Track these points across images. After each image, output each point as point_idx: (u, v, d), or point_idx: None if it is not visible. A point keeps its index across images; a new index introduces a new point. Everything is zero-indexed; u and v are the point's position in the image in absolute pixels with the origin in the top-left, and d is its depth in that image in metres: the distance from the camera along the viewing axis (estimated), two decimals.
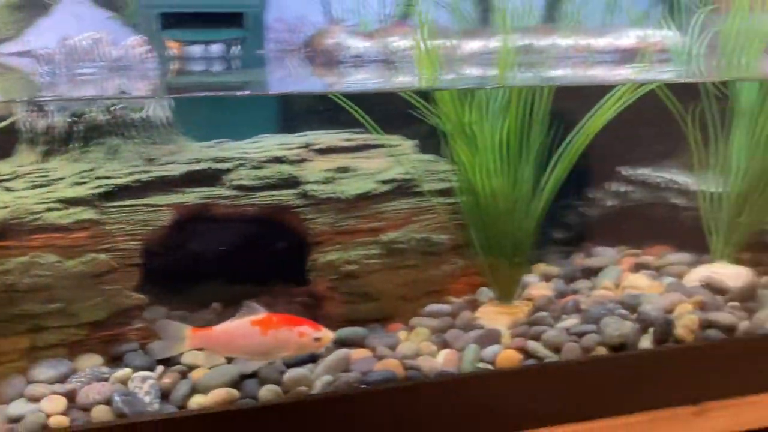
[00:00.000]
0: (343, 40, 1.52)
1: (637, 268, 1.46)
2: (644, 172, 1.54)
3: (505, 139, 1.24)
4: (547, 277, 1.44)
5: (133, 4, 1.68)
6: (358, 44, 1.51)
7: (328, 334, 1.02)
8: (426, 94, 1.26)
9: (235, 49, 1.58)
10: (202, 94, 1.34)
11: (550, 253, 1.53)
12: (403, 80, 1.46)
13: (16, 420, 0.99)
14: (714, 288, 1.32)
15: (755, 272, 1.39)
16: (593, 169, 1.55)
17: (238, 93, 1.36)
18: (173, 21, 1.53)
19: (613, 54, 1.54)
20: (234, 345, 1.01)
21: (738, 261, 1.42)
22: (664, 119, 1.41)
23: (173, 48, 1.55)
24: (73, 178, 1.14)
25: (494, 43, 1.52)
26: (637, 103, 1.29)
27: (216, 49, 1.57)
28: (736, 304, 1.30)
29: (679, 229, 1.51)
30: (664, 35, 1.58)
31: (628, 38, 1.55)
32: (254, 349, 1.01)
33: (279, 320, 1.01)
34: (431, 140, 1.31)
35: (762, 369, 1.23)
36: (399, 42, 1.49)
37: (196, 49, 1.57)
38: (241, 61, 1.58)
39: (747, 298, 1.29)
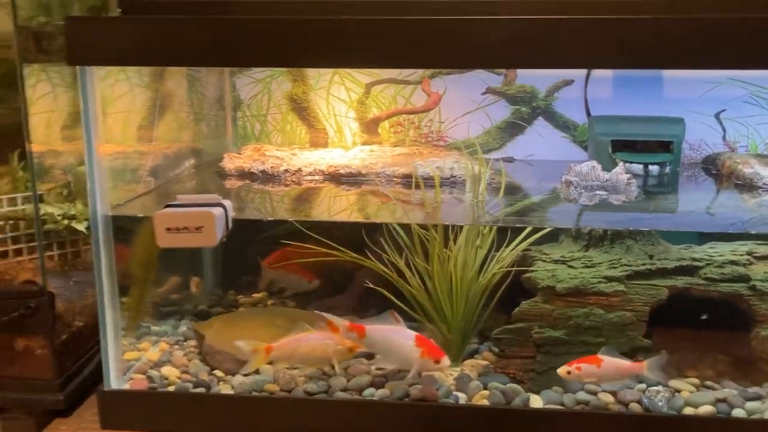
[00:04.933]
0: (760, 170, 1.97)
1: None
2: None
3: None
4: None
5: (581, 129, 2.35)
6: None
7: None
8: None
9: (666, 168, 2.10)
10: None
11: None
12: None
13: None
14: None
15: None
16: None
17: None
18: (621, 145, 2.11)
19: None
20: None
21: None
22: None
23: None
24: (607, 264, 1.83)
25: None
26: None
27: (653, 168, 2.10)
28: None
29: None
30: None
31: None
32: None
33: None
34: None
35: None
36: None
37: (636, 167, 2.10)
38: (668, 177, 2.10)
39: None
